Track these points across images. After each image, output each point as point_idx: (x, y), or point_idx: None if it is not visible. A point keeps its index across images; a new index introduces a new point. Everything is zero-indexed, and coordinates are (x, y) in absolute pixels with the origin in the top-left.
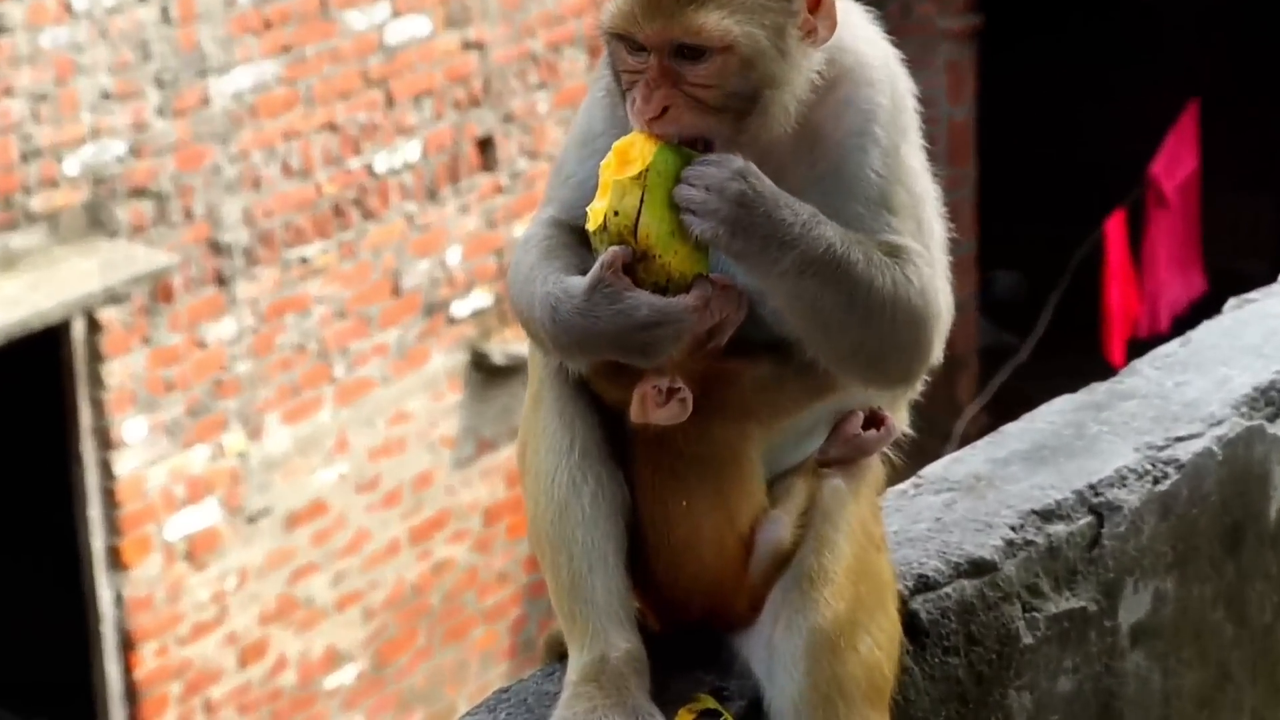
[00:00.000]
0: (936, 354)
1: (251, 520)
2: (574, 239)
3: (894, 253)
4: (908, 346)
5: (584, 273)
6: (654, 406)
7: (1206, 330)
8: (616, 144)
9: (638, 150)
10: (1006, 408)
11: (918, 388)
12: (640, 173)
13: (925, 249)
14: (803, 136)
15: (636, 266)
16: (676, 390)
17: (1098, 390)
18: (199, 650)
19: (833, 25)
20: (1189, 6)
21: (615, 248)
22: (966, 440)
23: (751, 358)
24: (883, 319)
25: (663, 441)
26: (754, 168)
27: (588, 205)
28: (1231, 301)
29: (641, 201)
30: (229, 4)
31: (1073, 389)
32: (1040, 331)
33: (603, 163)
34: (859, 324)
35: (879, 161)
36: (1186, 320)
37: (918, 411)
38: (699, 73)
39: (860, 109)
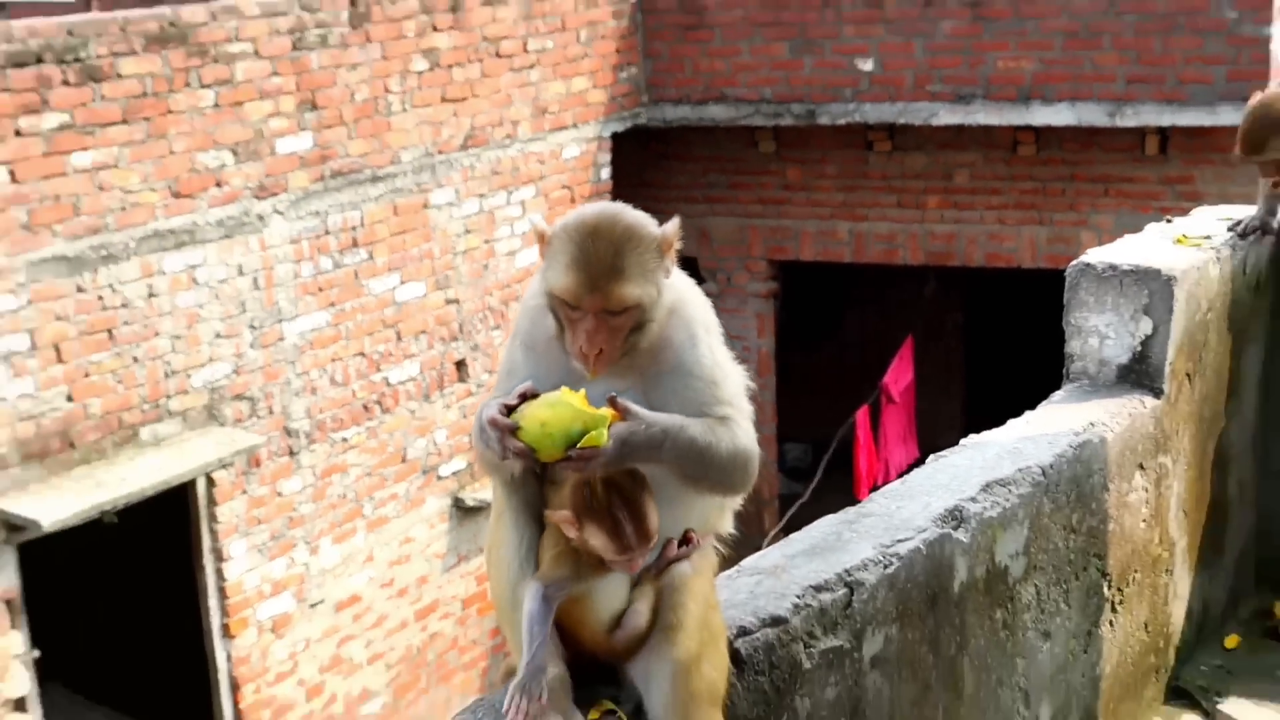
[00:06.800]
0: (755, 473)
1: (313, 607)
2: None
3: (724, 422)
4: (740, 471)
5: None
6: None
7: (917, 475)
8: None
9: (566, 394)
10: (795, 532)
11: (742, 499)
12: (553, 394)
13: (740, 410)
14: (654, 344)
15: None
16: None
17: (850, 512)
18: (281, 690)
19: (671, 268)
20: (913, 273)
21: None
22: None
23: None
24: (726, 465)
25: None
26: (633, 436)
27: (516, 384)
28: (931, 456)
29: (535, 396)
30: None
31: None
32: (815, 483)
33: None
34: (714, 470)
35: (706, 355)
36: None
37: (738, 535)
38: (617, 321)
39: (690, 325)
